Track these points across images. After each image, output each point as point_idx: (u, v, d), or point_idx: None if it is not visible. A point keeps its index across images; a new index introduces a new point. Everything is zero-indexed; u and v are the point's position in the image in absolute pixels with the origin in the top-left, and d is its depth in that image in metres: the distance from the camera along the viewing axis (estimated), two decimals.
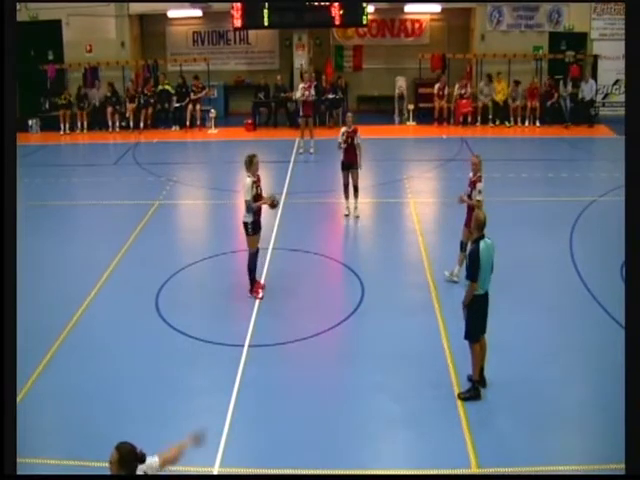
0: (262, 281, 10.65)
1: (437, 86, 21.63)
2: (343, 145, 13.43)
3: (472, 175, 10.44)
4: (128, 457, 4.81)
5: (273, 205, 10.51)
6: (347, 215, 13.81)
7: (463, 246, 10.55)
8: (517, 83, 21.38)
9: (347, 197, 13.73)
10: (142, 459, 4.89)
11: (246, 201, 10.10)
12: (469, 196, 10.36)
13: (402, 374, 8.49)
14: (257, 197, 10.17)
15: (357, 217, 13.79)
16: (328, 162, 18.12)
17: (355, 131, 13.41)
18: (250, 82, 23.41)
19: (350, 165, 13.51)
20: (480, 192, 10.22)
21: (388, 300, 10.35)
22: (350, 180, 13.56)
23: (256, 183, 10.17)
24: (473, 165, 10.46)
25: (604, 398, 7.82)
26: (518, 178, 16.09)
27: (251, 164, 10.19)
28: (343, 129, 13.58)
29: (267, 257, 11.50)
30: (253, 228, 10.25)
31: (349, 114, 14.14)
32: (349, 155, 13.45)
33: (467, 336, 7.91)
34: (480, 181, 10.27)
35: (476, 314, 7.80)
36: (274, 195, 10.61)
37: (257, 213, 10.35)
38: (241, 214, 10.59)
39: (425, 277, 11.02)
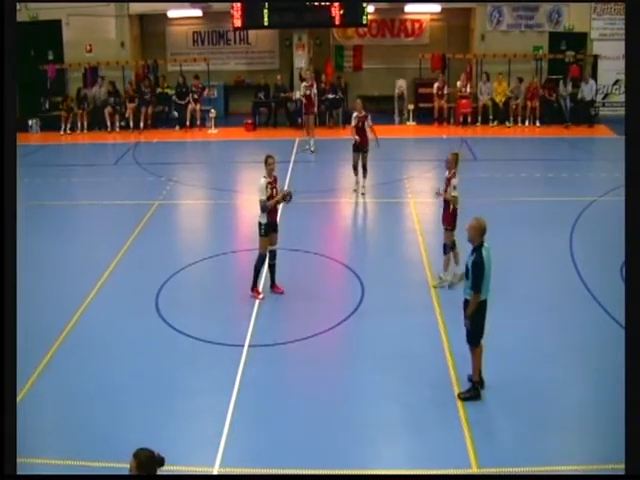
0: (261, 286, 10.61)
1: (436, 85, 21.64)
2: (354, 129, 14.71)
3: (447, 172, 10.46)
4: (147, 463, 4.74)
5: (286, 199, 10.48)
6: (356, 190, 15.12)
7: (447, 249, 10.55)
8: (520, 80, 21.35)
9: (356, 174, 15.04)
10: (161, 463, 4.83)
11: (260, 201, 10.11)
12: (445, 191, 10.41)
13: (402, 374, 8.48)
14: (271, 199, 10.17)
15: (363, 194, 15.04)
16: (328, 162, 18.17)
17: (366, 116, 14.75)
18: (250, 82, 23.42)
19: (361, 147, 14.78)
20: (455, 188, 10.27)
21: (388, 300, 10.35)
22: (360, 161, 14.79)
23: (271, 184, 10.16)
24: (447, 162, 10.50)
25: (604, 398, 7.81)
26: (518, 178, 16.09)
27: (264, 164, 10.17)
28: (355, 114, 14.88)
29: (266, 257, 11.48)
30: (265, 229, 10.23)
31: (358, 100, 15.27)
32: (360, 138, 14.71)
33: (469, 341, 7.90)
34: (455, 177, 10.30)
35: (478, 319, 7.76)
36: (283, 190, 10.54)
37: (273, 214, 10.34)
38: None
39: (425, 277, 11.02)
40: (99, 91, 22.13)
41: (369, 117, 14.83)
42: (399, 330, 9.51)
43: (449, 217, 10.47)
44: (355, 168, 14.96)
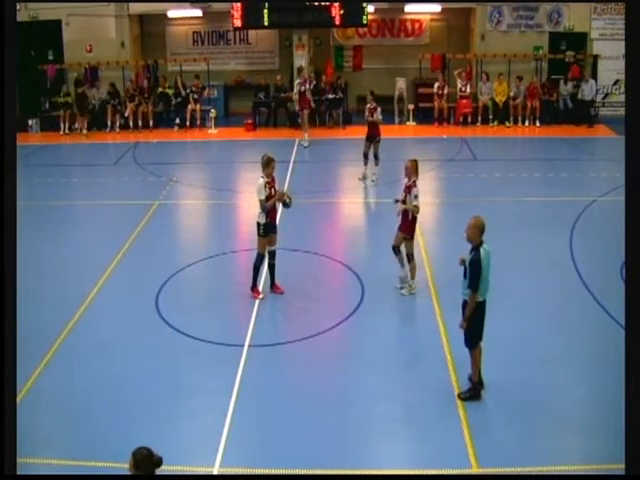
0: (261, 286, 10.61)
1: (436, 85, 21.64)
2: (369, 118, 15.73)
3: (407, 180, 10.27)
4: (144, 462, 4.79)
5: (285, 203, 10.44)
6: (360, 179, 16.06)
7: (396, 250, 10.42)
8: (520, 79, 21.33)
9: (365, 164, 15.95)
10: (159, 463, 4.86)
11: (260, 201, 10.11)
12: (404, 201, 10.21)
13: (402, 374, 8.49)
14: (270, 198, 10.15)
15: (373, 181, 15.93)
16: (328, 162, 18.18)
17: (375, 108, 15.65)
18: (250, 82, 23.42)
19: (371, 137, 15.76)
20: (416, 197, 10.07)
21: (388, 300, 10.35)
22: (371, 150, 15.78)
23: (270, 184, 10.15)
24: (406, 169, 10.29)
25: (604, 398, 7.82)
26: (518, 178, 16.09)
27: (266, 165, 10.13)
28: (367, 106, 15.94)
29: (266, 257, 11.48)
30: (264, 230, 10.22)
31: (369, 94, 16.14)
32: (371, 128, 15.76)
33: (467, 344, 7.88)
34: (415, 186, 10.10)
35: (476, 321, 7.73)
36: (282, 191, 10.53)
37: (272, 214, 10.32)
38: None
39: (425, 277, 11.01)
40: (97, 93, 22.08)
41: (379, 109, 15.65)
42: (399, 330, 9.51)
43: (408, 226, 10.27)
44: (365, 156, 15.84)
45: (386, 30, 23.70)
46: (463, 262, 7.79)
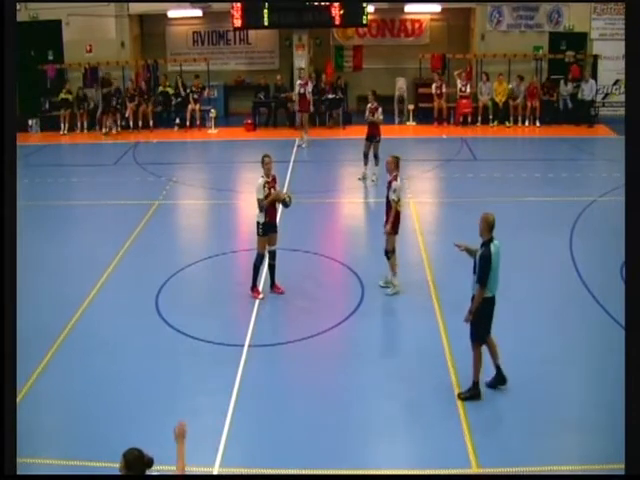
0: (261, 286, 10.61)
1: (434, 85, 21.62)
2: (370, 118, 15.71)
3: (388, 175, 10.36)
4: (134, 463, 4.78)
5: (284, 202, 10.44)
6: (360, 179, 15.96)
7: (389, 254, 10.41)
8: (521, 78, 21.32)
9: (365, 164, 15.83)
10: (150, 464, 4.86)
11: (258, 200, 10.12)
12: (387, 197, 10.29)
13: (402, 374, 8.49)
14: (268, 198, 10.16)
15: (373, 181, 15.71)
16: (328, 162, 18.17)
17: (376, 108, 15.63)
18: (250, 82, 23.42)
19: (372, 137, 15.70)
20: (394, 191, 10.13)
21: (388, 300, 10.35)
22: (371, 150, 15.66)
23: (269, 184, 10.17)
24: (386, 164, 10.44)
25: (604, 398, 7.83)
26: (518, 178, 16.09)
27: (261, 163, 10.17)
28: (368, 105, 15.90)
29: (266, 257, 11.48)
30: (263, 229, 10.23)
31: (369, 93, 16.18)
32: (371, 128, 15.72)
33: (473, 338, 7.87)
34: (395, 180, 10.18)
35: (484, 316, 7.74)
36: (280, 192, 10.52)
37: (271, 214, 10.31)
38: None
39: (425, 277, 11.02)
40: (96, 94, 22.07)
41: (380, 109, 15.62)
42: (399, 330, 9.51)
43: (392, 221, 10.28)
44: (365, 156, 15.75)
45: (386, 30, 23.69)
46: (458, 247, 7.93)
